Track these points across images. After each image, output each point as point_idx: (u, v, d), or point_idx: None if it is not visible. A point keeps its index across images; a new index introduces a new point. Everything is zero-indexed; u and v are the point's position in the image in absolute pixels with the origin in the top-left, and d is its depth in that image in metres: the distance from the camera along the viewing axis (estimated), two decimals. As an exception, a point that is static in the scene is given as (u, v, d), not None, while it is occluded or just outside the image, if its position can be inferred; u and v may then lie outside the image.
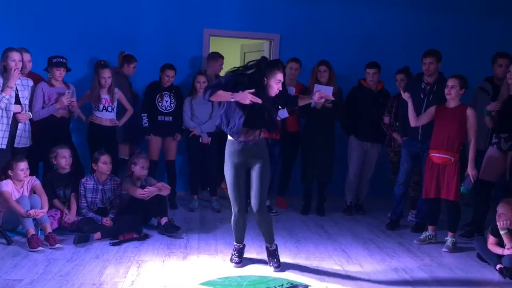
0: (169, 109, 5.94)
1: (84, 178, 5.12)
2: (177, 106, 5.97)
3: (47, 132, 5.32)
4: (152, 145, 5.97)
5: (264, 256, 4.35)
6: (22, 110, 4.99)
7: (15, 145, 4.97)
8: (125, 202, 5.15)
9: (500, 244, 4.30)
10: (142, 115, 5.89)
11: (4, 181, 4.68)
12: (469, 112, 4.78)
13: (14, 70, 4.83)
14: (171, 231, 4.87)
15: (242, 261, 4.22)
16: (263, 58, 4.16)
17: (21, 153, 4.96)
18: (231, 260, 4.24)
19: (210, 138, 5.94)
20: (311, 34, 6.76)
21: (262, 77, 3.87)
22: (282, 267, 4.14)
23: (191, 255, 4.40)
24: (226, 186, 6.81)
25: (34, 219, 4.54)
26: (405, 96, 5.11)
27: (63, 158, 5.12)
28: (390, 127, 5.87)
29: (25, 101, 5.03)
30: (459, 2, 6.93)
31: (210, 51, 6.70)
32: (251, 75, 3.90)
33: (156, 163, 6.00)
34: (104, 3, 6.44)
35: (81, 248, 4.43)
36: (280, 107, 4.22)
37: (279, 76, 3.90)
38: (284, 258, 4.38)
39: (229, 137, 4.01)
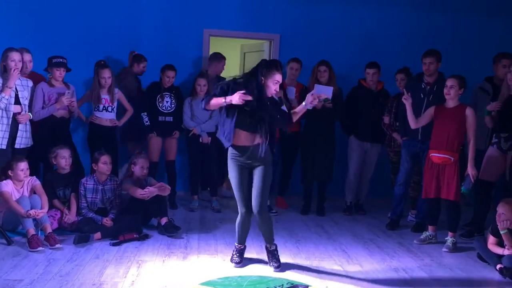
0: (170, 110, 5.94)
1: (84, 178, 5.12)
2: (178, 106, 5.97)
3: (47, 132, 5.32)
4: (152, 146, 5.97)
5: (264, 256, 4.35)
6: (22, 111, 4.98)
7: (16, 146, 4.97)
8: (125, 202, 5.15)
9: (500, 244, 4.30)
10: (142, 114, 5.88)
11: (4, 181, 4.68)
12: (468, 112, 4.78)
13: (14, 70, 4.83)
14: (171, 231, 4.87)
15: (242, 261, 4.22)
16: (263, 60, 4.14)
17: (21, 153, 4.96)
18: (231, 260, 4.24)
19: (210, 138, 5.94)
20: (311, 34, 6.76)
21: (259, 77, 3.87)
22: (282, 267, 4.15)
23: (191, 255, 4.40)
24: (227, 186, 6.88)
25: (34, 219, 4.54)
26: (404, 97, 5.10)
27: (63, 158, 5.12)
28: (390, 127, 5.88)
29: (24, 101, 5.03)
30: (459, 2, 6.93)
31: (210, 51, 6.71)
32: (248, 77, 3.93)
33: (156, 164, 6.00)
34: (104, 3, 6.44)
35: (81, 248, 4.43)
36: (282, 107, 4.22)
37: (277, 77, 3.90)
38: (284, 258, 4.38)
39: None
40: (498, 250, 4.29)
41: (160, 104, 5.90)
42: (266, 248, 4.23)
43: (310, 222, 5.68)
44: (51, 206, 4.93)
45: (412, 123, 5.09)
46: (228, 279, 3.85)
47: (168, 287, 3.67)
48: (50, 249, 4.35)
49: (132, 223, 4.87)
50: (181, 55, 6.47)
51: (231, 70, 6.92)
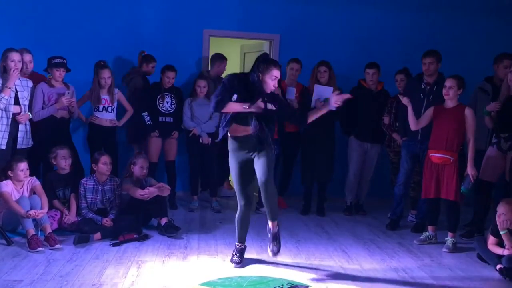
0: (170, 110, 5.94)
1: (84, 179, 5.12)
2: (178, 107, 5.97)
3: (47, 133, 5.32)
4: (152, 146, 5.96)
5: (264, 256, 4.35)
6: (21, 111, 4.99)
7: (18, 147, 4.97)
8: (125, 203, 5.14)
9: (500, 244, 4.30)
10: (143, 114, 5.88)
11: (4, 181, 4.68)
12: (468, 112, 4.79)
13: (14, 70, 4.83)
14: (171, 231, 4.86)
15: (242, 261, 4.21)
16: (264, 54, 4.14)
17: (21, 154, 4.96)
18: (231, 260, 4.23)
19: (210, 138, 5.95)
20: (311, 34, 6.77)
21: (257, 73, 3.89)
22: (282, 267, 4.15)
23: (191, 256, 4.40)
24: (227, 186, 6.89)
25: (34, 220, 4.54)
26: (404, 101, 5.12)
27: (63, 159, 5.12)
28: (390, 128, 5.87)
29: (24, 101, 5.03)
30: (459, 2, 6.93)
31: (210, 52, 6.72)
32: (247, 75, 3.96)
33: (155, 164, 6.00)
34: (105, 3, 6.45)
35: (81, 248, 4.43)
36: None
37: (275, 73, 3.89)
38: (284, 258, 4.38)
39: (229, 134, 4.04)
40: (498, 251, 4.28)
41: (161, 105, 5.90)
42: (268, 229, 4.14)
43: (310, 222, 5.68)
44: (51, 207, 4.93)
45: (413, 125, 5.09)
46: (228, 280, 3.85)
47: (168, 288, 3.68)
48: (50, 249, 4.34)
49: (132, 223, 4.86)
50: (181, 55, 6.47)
51: (231, 70, 6.89)
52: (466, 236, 5.19)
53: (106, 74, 5.56)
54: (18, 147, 4.97)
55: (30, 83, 5.17)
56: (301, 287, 3.77)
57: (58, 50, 5.63)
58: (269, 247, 4.15)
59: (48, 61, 5.38)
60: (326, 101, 5.63)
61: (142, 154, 5.40)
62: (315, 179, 6.07)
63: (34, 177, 4.87)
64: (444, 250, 4.81)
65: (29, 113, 5.08)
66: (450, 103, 4.87)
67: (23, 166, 4.72)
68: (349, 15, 6.83)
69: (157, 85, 5.99)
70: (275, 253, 4.13)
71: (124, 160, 5.65)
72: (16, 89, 4.95)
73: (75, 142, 5.68)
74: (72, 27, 6.37)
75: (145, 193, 4.97)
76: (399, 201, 5.55)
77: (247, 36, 6.97)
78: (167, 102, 5.93)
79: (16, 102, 4.95)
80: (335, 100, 4.06)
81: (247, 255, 4.33)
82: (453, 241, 4.86)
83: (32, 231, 4.40)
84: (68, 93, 5.38)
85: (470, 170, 4.74)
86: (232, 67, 6.84)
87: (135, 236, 4.71)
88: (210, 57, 6.59)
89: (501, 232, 4.25)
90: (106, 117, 5.67)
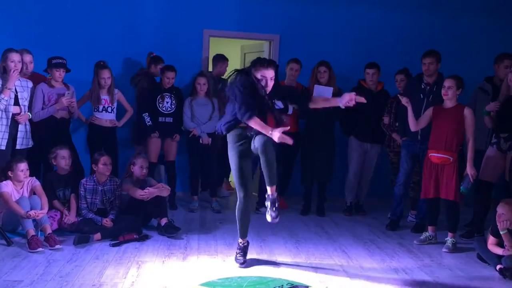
0: (170, 110, 5.94)
1: (84, 179, 5.12)
2: (178, 107, 5.96)
3: (47, 133, 5.32)
4: (151, 147, 5.96)
5: (264, 256, 4.35)
6: (21, 112, 4.99)
7: (17, 147, 4.97)
8: (125, 203, 5.14)
9: (500, 244, 4.30)
10: (144, 115, 5.88)
11: (4, 182, 4.68)
12: (467, 112, 4.79)
13: (13, 71, 4.83)
14: (171, 231, 4.86)
15: (246, 261, 4.20)
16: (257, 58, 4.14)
17: (21, 154, 4.96)
18: (235, 260, 4.23)
19: (210, 139, 5.95)
20: (311, 34, 6.76)
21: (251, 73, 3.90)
22: (281, 267, 4.15)
23: (191, 256, 4.39)
24: (226, 187, 6.89)
25: (34, 220, 4.54)
26: (404, 101, 5.12)
27: (63, 159, 5.11)
28: (389, 128, 5.87)
29: (24, 102, 5.03)
30: (459, 3, 6.92)
31: (210, 52, 6.72)
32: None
33: (155, 165, 5.99)
34: (105, 4, 6.45)
35: (81, 249, 4.43)
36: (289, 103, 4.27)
37: (262, 72, 3.88)
38: (284, 258, 4.38)
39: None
40: (498, 251, 4.28)
41: (160, 105, 5.90)
42: (267, 196, 4.02)
43: (310, 223, 5.68)
44: (51, 207, 4.92)
45: (413, 126, 5.09)
46: (228, 280, 3.85)
47: (168, 288, 3.68)
48: (50, 250, 4.34)
49: (132, 223, 4.86)
50: (181, 56, 6.47)
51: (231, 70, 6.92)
52: (466, 236, 5.19)
53: (106, 74, 5.56)
54: (18, 147, 4.97)
55: (30, 84, 5.17)
56: (301, 287, 3.77)
57: (58, 51, 5.63)
58: (268, 212, 3.99)
59: (48, 62, 5.39)
60: (326, 101, 5.66)
61: (141, 154, 5.39)
62: (315, 179, 6.07)
63: (34, 177, 4.87)
64: (444, 250, 4.81)
65: (28, 113, 5.08)
66: (449, 103, 4.87)
67: (23, 166, 4.72)
68: (349, 15, 6.83)
69: (157, 85, 5.99)
70: (274, 218, 3.96)
71: (124, 161, 5.65)
72: (16, 89, 4.95)
73: (75, 142, 5.68)
74: (72, 28, 6.37)
75: (145, 193, 4.97)
76: (399, 201, 5.55)
77: (247, 37, 6.97)
78: (167, 103, 5.92)
79: (16, 102, 4.95)
80: (348, 101, 4.03)
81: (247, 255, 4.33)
82: (453, 241, 4.86)
83: (32, 232, 4.40)
84: (68, 93, 5.39)
85: (469, 170, 4.74)
86: (233, 67, 6.79)
87: (135, 236, 4.71)
88: (211, 58, 6.61)
89: (501, 232, 4.25)
90: (106, 118, 5.67)
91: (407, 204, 5.90)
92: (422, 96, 5.29)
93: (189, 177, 6.23)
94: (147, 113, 5.86)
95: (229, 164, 4.19)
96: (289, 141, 3.76)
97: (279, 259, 4.37)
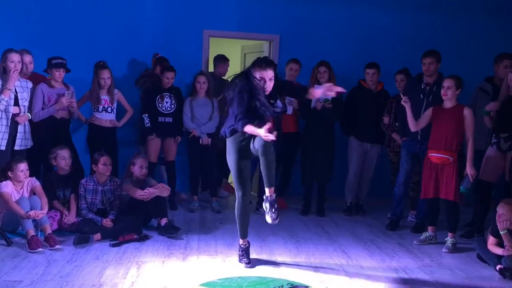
0: (169, 110, 5.93)
1: (84, 179, 5.12)
2: (177, 107, 5.96)
3: (47, 133, 5.32)
4: (151, 147, 5.95)
5: (264, 256, 4.35)
6: (20, 112, 4.98)
7: (16, 147, 4.97)
8: (125, 203, 5.14)
9: (500, 244, 4.30)
10: (143, 116, 5.88)
11: (4, 182, 4.68)
12: (466, 112, 4.79)
13: (13, 71, 4.83)
14: (171, 232, 4.86)
15: (251, 261, 4.20)
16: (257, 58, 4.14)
17: (21, 154, 4.96)
18: (240, 261, 4.23)
19: (210, 139, 5.95)
20: (311, 34, 6.76)
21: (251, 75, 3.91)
22: (281, 267, 4.15)
23: (191, 256, 4.40)
24: (225, 187, 6.89)
25: (34, 220, 4.54)
26: (403, 100, 5.11)
27: (63, 159, 5.11)
28: (389, 128, 5.87)
29: (24, 102, 5.03)
30: (459, 2, 6.92)
31: (210, 52, 6.72)
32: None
33: (154, 165, 5.99)
34: (105, 4, 6.45)
35: (81, 249, 4.43)
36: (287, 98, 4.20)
37: (258, 74, 3.88)
38: (284, 258, 4.38)
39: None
40: (498, 251, 4.28)
41: (160, 105, 5.90)
42: (266, 197, 4.01)
43: (310, 223, 5.68)
44: (51, 207, 4.93)
45: (412, 126, 5.09)
46: (228, 280, 3.85)
47: (167, 288, 3.68)
48: (49, 250, 4.34)
49: (132, 224, 4.87)
50: (180, 56, 6.46)
51: (232, 70, 6.90)
52: (466, 236, 5.19)
53: (105, 74, 5.56)
54: (16, 148, 4.97)
55: (30, 84, 5.17)
56: (301, 287, 3.77)
57: (58, 51, 5.63)
58: (268, 214, 3.97)
59: (47, 62, 5.39)
60: (326, 101, 5.68)
61: (140, 154, 5.40)
62: (315, 179, 6.06)
63: (34, 177, 4.87)
64: (444, 250, 4.80)
65: (28, 113, 5.07)
66: (448, 103, 4.87)
67: (23, 166, 4.72)
68: (349, 15, 6.82)
69: (156, 86, 5.99)
70: (275, 219, 3.95)
71: (124, 161, 5.65)
72: (15, 90, 4.95)
73: (75, 142, 5.67)
74: (72, 28, 6.37)
75: (145, 193, 4.97)
76: (399, 201, 5.55)
77: (246, 37, 6.97)
78: (167, 102, 5.92)
79: (16, 103, 4.95)
80: (329, 90, 4.01)
81: (246, 255, 4.33)
82: (453, 241, 4.86)
83: (32, 232, 4.41)
84: (68, 93, 5.39)
85: (469, 170, 4.74)
86: (233, 67, 6.84)
87: (135, 236, 4.71)
88: (212, 58, 6.61)
89: (501, 232, 4.25)
90: (106, 118, 5.67)
91: (407, 204, 5.90)
92: (422, 96, 5.29)
93: (189, 177, 6.23)
94: (147, 114, 5.86)
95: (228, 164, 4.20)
96: (271, 137, 3.70)
97: (279, 259, 4.37)
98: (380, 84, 6.03)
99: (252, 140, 3.97)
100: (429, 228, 5.06)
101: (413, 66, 5.81)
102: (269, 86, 3.93)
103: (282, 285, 3.77)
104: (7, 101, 4.84)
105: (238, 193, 4.18)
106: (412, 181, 5.73)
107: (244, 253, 4.25)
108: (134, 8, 6.51)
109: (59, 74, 5.36)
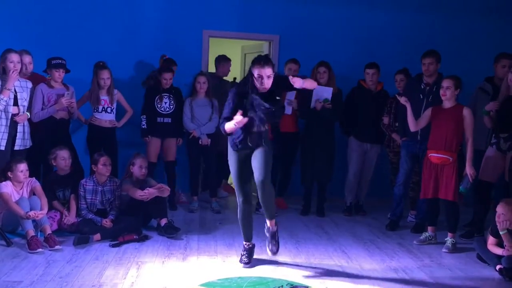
0: (169, 111, 5.93)
1: (84, 180, 5.12)
2: (177, 107, 5.95)
3: (47, 134, 5.32)
4: (150, 147, 5.95)
5: (264, 256, 4.35)
6: (19, 112, 4.98)
7: (15, 148, 4.97)
8: (124, 203, 5.14)
9: (500, 244, 4.30)
10: (141, 117, 5.88)
11: (3, 182, 4.68)
12: (466, 112, 4.79)
13: (13, 71, 4.83)
14: (171, 232, 4.86)
15: (251, 261, 4.21)
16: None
17: (21, 155, 4.96)
18: (240, 260, 4.23)
19: (209, 140, 5.94)
20: (311, 35, 6.76)
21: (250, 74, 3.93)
22: (281, 267, 4.15)
23: (191, 256, 4.39)
24: (224, 188, 6.89)
25: (34, 221, 4.54)
26: (403, 100, 5.12)
27: (63, 160, 5.11)
28: (389, 128, 5.87)
29: (23, 102, 5.03)
30: (459, 2, 6.92)
31: (209, 53, 6.72)
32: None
33: (154, 165, 5.99)
34: (104, 4, 6.45)
35: (81, 249, 4.43)
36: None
37: (256, 71, 3.88)
38: (284, 258, 4.38)
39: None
40: (498, 251, 4.28)
41: (159, 105, 5.89)
42: (267, 229, 4.14)
43: (310, 223, 5.68)
44: (51, 208, 4.93)
45: (412, 126, 5.10)
46: (228, 280, 3.85)
47: (167, 288, 3.68)
48: (49, 250, 4.34)
49: (132, 224, 4.86)
50: (180, 56, 6.45)
51: (232, 71, 6.93)
52: (466, 236, 5.19)
53: (105, 75, 5.56)
54: (16, 148, 4.97)
55: (30, 84, 5.16)
56: (301, 287, 3.77)
57: (58, 51, 5.63)
58: (268, 246, 4.17)
59: (47, 62, 5.39)
60: (325, 101, 5.69)
61: (140, 154, 5.40)
62: (315, 179, 6.06)
63: (34, 178, 4.86)
64: (444, 250, 4.80)
65: (27, 113, 5.07)
66: (447, 103, 4.87)
67: (22, 167, 4.72)
68: (349, 15, 6.82)
69: (155, 86, 5.99)
70: (274, 253, 4.15)
71: (124, 161, 5.65)
72: (15, 90, 4.95)
73: (75, 143, 5.67)
74: (71, 28, 6.37)
75: (145, 194, 4.97)
76: (398, 201, 5.55)
77: (246, 37, 6.97)
78: (165, 103, 5.91)
79: (15, 103, 4.95)
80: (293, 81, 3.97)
81: (246, 256, 4.33)
82: (453, 241, 4.86)
83: (31, 232, 4.40)
84: (68, 94, 5.39)
85: (468, 170, 4.74)
86: (233, 67, 6.86)
87: (134, 237, 4.71)
88: (213, 58, 6.62)
89: (501, 233, 4.25)
90: (106, 118, 5.67)
91: (407, 204, 5.90)
92: (421, 97, 5.29)
93: (189, 178, 6.23)
94: (145, 116, 5.87)
95: (228, 165, 4.20)
96: (244, 120, 3.78)
97: (279, 259, 4.37)
98: (380, 84, 6.03)
99: (248, 139, 3.99)
100: (429, 228, 5.06)
101: (413, 66, 5.81)
102: (267, 83, 3.92)
103: (282, 285, 3.77)
104: (6, 101, 4.84)
105: (239, 199, 4.18)
106: (412, 181, 5.72)
107: (247, 253, 4.25)
108: (134, 8, 6.51)
109: (58, 74, 5.36)
